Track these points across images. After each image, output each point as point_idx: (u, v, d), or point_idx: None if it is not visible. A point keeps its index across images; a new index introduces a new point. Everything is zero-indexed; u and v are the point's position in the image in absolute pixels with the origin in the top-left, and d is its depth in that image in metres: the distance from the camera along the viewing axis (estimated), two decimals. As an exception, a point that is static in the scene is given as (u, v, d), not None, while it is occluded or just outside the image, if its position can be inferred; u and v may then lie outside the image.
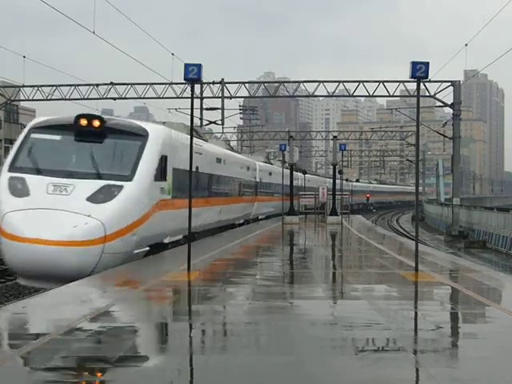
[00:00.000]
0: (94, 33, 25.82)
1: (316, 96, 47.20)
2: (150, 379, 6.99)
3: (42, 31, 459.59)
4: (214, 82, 41.71)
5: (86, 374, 7.20)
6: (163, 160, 20.37)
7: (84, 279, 14.76)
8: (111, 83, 41.94)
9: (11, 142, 39.14)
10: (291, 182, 41.38)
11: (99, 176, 18.52)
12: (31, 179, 18.32)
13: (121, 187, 18.27)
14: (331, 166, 47.84)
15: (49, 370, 7.14)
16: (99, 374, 7.13)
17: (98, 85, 42.15)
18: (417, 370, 7.51)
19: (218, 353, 8.13)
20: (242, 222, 39.35)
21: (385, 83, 41.90)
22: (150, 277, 14.57)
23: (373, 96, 43.52)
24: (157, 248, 20.31)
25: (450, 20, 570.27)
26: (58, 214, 17.12)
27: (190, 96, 15.99)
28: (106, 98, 44.00)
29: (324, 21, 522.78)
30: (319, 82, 43.07)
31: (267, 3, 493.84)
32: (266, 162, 52.64)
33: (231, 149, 44.76)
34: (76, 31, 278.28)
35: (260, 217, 47.29)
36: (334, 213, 42.23)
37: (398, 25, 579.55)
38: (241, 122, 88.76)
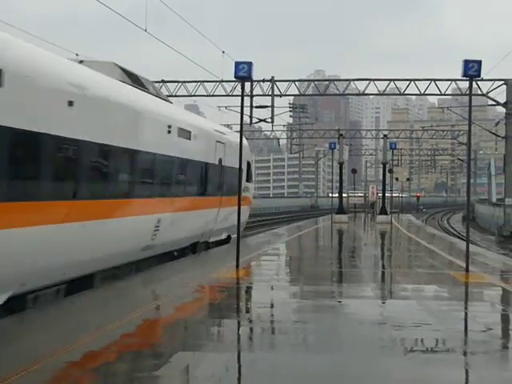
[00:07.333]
0: (145, 30, 25.97)
1: (366, 94, 46.84)
2: (198, 375, 7.05)
3: (94, 30, 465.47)
4: (264, 80, 41.70)
5: (139, 362, 7.28)
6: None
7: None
8: (162, 81, 42.13)
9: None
10: (341, 179, 41.49)
11: None
12: None
13: None
14: (381, 165, 47.63)
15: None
16: (149, 364, 7.19)
17: (148, 82, 42.40)
18: (466, 372, 7.43)
19: (265, 350, 8.13)
20: None
21: (436, 81, 41.47)
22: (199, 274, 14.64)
23: (424, 94, 43.03)
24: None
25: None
26: None
27: (240, 94, 16.04)
28: (157, 96, 44.24)
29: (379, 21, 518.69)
30: (370, 80, 42.81)
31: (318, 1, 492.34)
32: None
33: None
34: (128, 29, 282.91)
35: None
36: (383, 212, 42.01)
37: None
38: (290, 120, 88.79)
